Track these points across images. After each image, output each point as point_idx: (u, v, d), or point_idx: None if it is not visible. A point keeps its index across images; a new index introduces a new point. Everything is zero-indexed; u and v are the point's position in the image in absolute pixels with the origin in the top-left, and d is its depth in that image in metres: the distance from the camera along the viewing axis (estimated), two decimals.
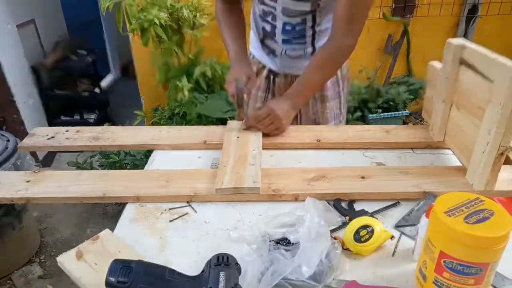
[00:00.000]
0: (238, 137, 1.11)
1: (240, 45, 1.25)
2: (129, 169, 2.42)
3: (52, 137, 1.16)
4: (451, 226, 0.59)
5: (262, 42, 1.32)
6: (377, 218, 0.83)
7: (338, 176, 0.95)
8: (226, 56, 1.27)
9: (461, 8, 2.73)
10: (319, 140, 1.12)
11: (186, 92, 2.17)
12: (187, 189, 0.92)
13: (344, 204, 0.89)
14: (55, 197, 0.93)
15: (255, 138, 1.09)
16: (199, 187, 0.93)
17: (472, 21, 2.74)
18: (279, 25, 1.22)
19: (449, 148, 1.08)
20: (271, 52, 1.32)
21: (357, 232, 0.76)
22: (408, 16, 2.72)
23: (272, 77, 1.37)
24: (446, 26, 2.80)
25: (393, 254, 0.77)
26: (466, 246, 0.59)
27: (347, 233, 0.77)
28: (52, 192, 0.93)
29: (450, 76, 0.97)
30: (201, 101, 2.26)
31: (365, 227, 0.77)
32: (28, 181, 0.96)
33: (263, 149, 1.07)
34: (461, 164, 0.98)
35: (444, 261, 0.61)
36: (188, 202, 0.92)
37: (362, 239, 0.75)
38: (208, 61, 2.27)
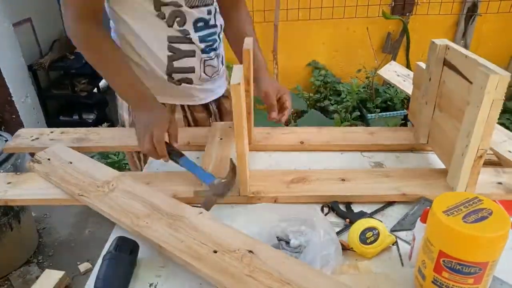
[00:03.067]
0: (221, 139, 1.10)
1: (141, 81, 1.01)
2: (128, 169, 2.42)
3: (37, 139, 1.15)
4: (449, 225, 0.59)
5: (169, 73, 1.11)
6: (381, 221, 0.82)
7: (318, 179, 0.94)
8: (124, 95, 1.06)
9: (461, 6, 2.73)
10: (303, 142, 1.11)
11: None
12: (166, 192, 0.90)
13: (342, 207, 0.88)
14: (32, 199, 0.92)
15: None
16: (178, 189, 0.92)
17: (471, 20, 2.73)
18: (189, 24, 1.05)
19: (432, 151, 1.07)
20: (184, 81, 1.13)
21: (362, 233, 0.76)
22: (407, 14, 2.72)
23: (189, 113, 1.21)
24: (446, 25, 2.80)
25: (401, 261, 0.77)
26: (465, 245, 0.58)
27: (353, 233, 0.76)
28: (31, 194, 0.93)
29: (433, 77, 0.96)
30: None
31: (371, 229, 0.76)
32: (8, 183, 0.96)
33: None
34: (444, 167, 0.97)
35: (443, 261, 0.61)
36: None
37: (368, 241, 0.75)
38: None
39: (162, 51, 1.07)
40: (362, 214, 0.85)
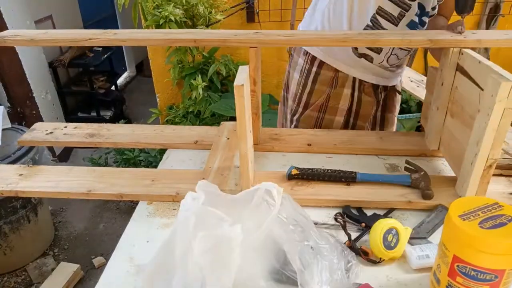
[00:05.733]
0: (228, 138, 1.10)
1: None
2: (143, 166, 2.45)
3: (51, 133, 1.18)
4: (464, 230, 0.58)
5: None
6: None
7: (323, 182, 0.93)
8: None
9: (483, 7, 2.66)
10: (310, 144, 1.10)
11: (200, 91, 2.18)
12: (170, 189, 0.92)
13: (353, 210, 0.87)
14: (42, 192, 0.95)
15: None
16: (182, 187, 0.92)
17: (493, 20, 2.67)
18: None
19: (443, 157, 1.04)
20: (365, 56, 1.14)
21: (384, 238, 0.74)
22: None
23: (357, 92, 1.21)
24: (467, 25, 2.74)
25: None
26: (480, 251, 0.57)
27: (375, 241, 0.74)
28: (40, 186, 0.95)
29: (445, 82, 0.94)
30: (215, 99, 2.26)
31: (389, 231, 0.74)
32: (20, 175, 0.98)
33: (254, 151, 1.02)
34: (454, 175, 0.94)
35: (458, 266, 0.60)
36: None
37: (392, 244, 0.73)
38: (223, 60, 2.28)
39: (364, 18, 1.06)
40: (376, 217, 0.84)
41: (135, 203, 0.93)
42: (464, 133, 0.86)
